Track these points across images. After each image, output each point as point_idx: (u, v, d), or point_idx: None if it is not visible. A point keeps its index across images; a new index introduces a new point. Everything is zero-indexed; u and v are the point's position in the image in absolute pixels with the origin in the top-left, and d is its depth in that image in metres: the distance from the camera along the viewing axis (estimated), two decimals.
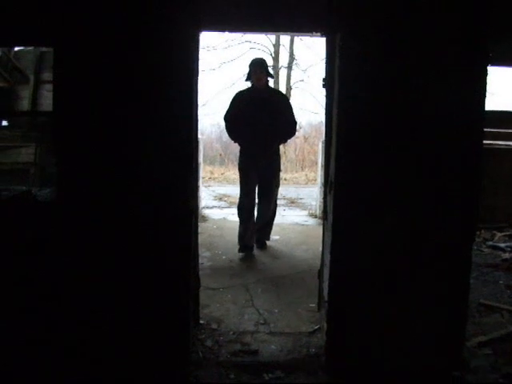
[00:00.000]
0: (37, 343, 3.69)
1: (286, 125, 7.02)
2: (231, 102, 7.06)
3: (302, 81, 23.45)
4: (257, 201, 7.33)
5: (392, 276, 3.73)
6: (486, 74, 3.64)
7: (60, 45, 3.61)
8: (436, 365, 3.81)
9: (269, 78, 7.12)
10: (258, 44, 22.80)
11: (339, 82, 3.66)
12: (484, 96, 3.66)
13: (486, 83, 3.66)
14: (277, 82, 22.19)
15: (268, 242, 7.51)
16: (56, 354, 3.71)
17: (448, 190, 3.68)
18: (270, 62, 21.50)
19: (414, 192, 3.68)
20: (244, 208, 7.10)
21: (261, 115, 6.78)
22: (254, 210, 7.20)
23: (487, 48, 3.61)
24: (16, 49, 10.17)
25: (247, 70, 7.01)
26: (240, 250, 7.01)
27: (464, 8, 3.56)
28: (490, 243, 7.68)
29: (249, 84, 7.15)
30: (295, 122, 7.18)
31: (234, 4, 3.58)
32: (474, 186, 3.72)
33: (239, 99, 7.01)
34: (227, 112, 7.05)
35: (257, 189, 7.24)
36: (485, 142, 3.79)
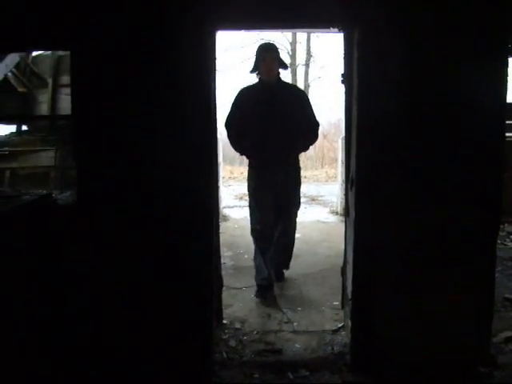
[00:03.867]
0: (61, 345, 3.71)
1: (307, 128, 5.45)
2: (233, 104, 5.46)
3: (320, 78, 23.42)
4: None
5: (416, 272, 3.69)
6: (506, 65, 3.60)
7: (77, 48, 3.61)
8: (463, 361, 3.77)
9: (281, 70, 5.51)
10: (274, 42, 22.79)
11: (358, 78, 3.64)
12: (505, 88, 3.62)
13: (506, 75, 3.61)
14: (295, 80, 22.17)
15: None
16: (80, 357, 3.72)
17: (471, 185, 3.64)
18: (287, 59, 21.46)
19: (437, 187, 3.64)
20: (260, 237, 5.60)
21: (273, 118, 5.25)
22: (273, 237, 5.59)
23: (507, 39, 3.57)
24: (34, 54, 10.23)
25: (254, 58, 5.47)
26: (258, 294, 5.37)
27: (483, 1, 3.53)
28: None
29: (255, 78, 5.55)
30: (317, 124, 5.55)
31: (249, 2, 3.56)
32: (496, 179, 3.68)
33: (244, 99, 5.44)
34: (228, 116, 5.44)
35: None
36: (506, 134, 3.74)
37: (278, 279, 5.72)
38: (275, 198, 5.49)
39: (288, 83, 6.18)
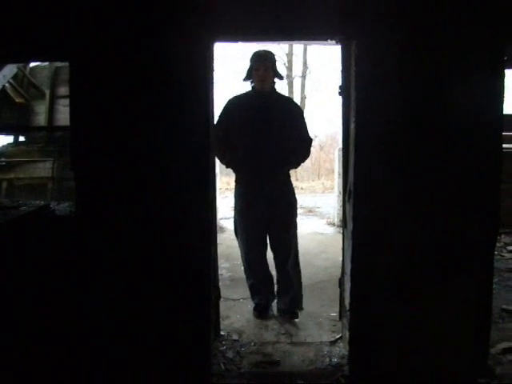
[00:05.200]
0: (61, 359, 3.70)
1: (299, 144, 5.10)
2: (222, 112, 5.05)
3: (316, 89, 23.50)
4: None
5: (415, 284, 3.69)
6: (503, 77, 3.62)
7: (76, 59, 3.63)
8: (461, 372, 3.76)
9: (276, 80, 5.13)
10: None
11: (356, 91, 3.65)
12: (502, 100, 3.63)
13: (503, 87, 3.63)
14: (291, 92, 22.23)
15: None
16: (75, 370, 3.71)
17: (469, 196, 3.65)
18: (283, 71, 21.48)
19: (435, 198, 3.65)
20: (252, 266, 5.23)
21: (264, 130, 4.90)
22: (266, 262, 5.25)
23: (503, 51, 3.59)
24: (31, 65, 10.27)
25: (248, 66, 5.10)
26: (256, 313, 5.15)
27: (480, 13, 3.55)
28: (511, 248, 7.60)
29: (248, 86, 5.18)
30: (310, 141, 5.19)
31: (247, 14, 3.58)
32: (493, 189, 3.69)
33: (234, 108, 5.06)
34: (218, 126, 4.80)
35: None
36: (504, 145, 3.76)
37: (291, 317, 5.04)
38: (268, 220, 5.08)
39: (283, 95, 5.67)
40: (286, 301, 5.13)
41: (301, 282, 5.27)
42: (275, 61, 5.14)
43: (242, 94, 5.21)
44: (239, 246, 5.29)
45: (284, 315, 5.07)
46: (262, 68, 4.93)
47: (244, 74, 5.13)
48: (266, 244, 5.21)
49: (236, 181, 5.24)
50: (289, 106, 5.26)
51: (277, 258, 5.19)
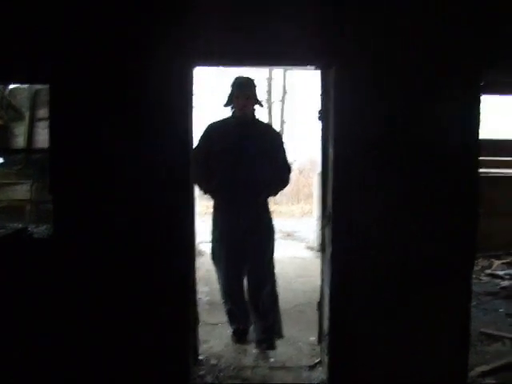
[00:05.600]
0: None
1: (278, 172, 5.02)
2: (201, 138, 5.00)
3: (295, 113, 23.58)
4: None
5: (393, 307, 3.71)
6: (478, 102, 3.68)
7: (55, 82, 3.63)
8: None
9: (256, 107, 5.07)
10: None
11: (334, 116, 3.69)
12: (478, 124, 3.69)
13: (479, 112, 3.69)
14: (271, 116, 22.29)
15: None
16: None
17: (447, 219, 3.69)
18: (263, 96, 21.56)
19: (413, 221, 3.68)
20: (230, 292, 5.14)
21: (243, 157, 4.84)
22: (243, 289, 5.15)
23: (480, 77, 3.65)
24: (10, 87, 10.22)
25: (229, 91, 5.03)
26: (234, 338, 5.14)
27: (457, 39, 3.62)
28: (489, 271, 7.66)
29: (228, 111, 5.08)
30: (289, 169, 5.14)
31: (225, 39, 3.61)
32: (471, 213, 3.73)
33: (212, 134, 5.00)
34: (195, 150, 4.48)
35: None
36: (480, 170, 3.80)
37: (268, 348, 4.90)
38: (245, 249, 4.99)
39: (263, 122, 5.53)
40: (260, 330, 4.99)
41: (278, 310, 5.09)
42: (255, 88, 5.06)
43: (221, 120, 5.12)
44: (216, 272, 5.21)
45: (259, 345, 4.92)
46: (243, 96, 4.87)
47: (225, 100, 5.04)
48: (244, 271, 5.09)
49: (214, 207, 5.20)
50: (270, 133, 5.21)
51: (251, 285, 5.06)
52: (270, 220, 5.08)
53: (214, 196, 5.11)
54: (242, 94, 4.88)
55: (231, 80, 5.02)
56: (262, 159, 4.89)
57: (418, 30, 3.59)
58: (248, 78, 5.06)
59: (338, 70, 3.63)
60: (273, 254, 5.10)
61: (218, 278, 5.19)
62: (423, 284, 3.71)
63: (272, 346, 4.90)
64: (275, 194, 5.31)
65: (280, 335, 5.05)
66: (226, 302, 5.19)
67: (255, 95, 5.01)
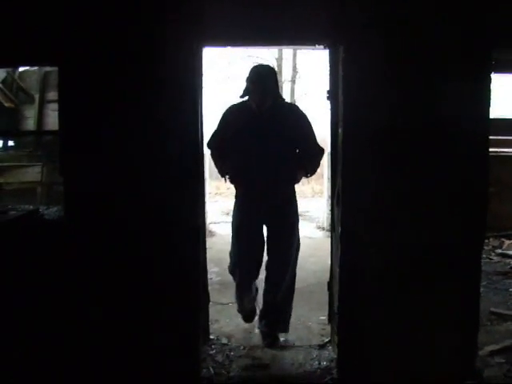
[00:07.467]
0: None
1: (308, 156, 4.60)
2: (220, 122, 4.63)
3: (306, 94, 23.48)
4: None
5: (403, 287, 3.71)
6: (489, 81, 3.65)
7: (65, 63, 3.63)
8: (449, 375, 3.78)
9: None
10: (260, 59, 22.85)
11: (343, 96, 3.67)
12: (489, 103, 3.66)
13: (490, 91, 3.66)
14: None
15: None
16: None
17: (457, 199, 3.67)
18: None
19: (423, 202, 3.67)
20: (241, 286, 4.79)
21: (267, 141, 4.40)
22: (255, 289, 4.88)
23: (490, 56, 3.62)
24: (20, 69, 10.23)
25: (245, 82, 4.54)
26: (245, 319, 4.84)
27: (465, 18, 3.58)
28: (499, 251, 7.64)
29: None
30: (321, 151, 4.68)
31: (236, 20, 3.59)
32: (481, 193, 3.71)
33: (233, 117, 4.58)
34: (213, 136, 4.59)
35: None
36: (490, 149, 3.78)
37: (271, 344, 4.55)
38: (268, 238, 4.71)
39: (287, 102, 5.08)
40: (269, 321, 4.68)
41: (291, 305, 4.79)
42: (275, 75, 4.69)
43: (240, 103, 4.64)
44: (232, 266, 4.84)
45: (265, 339, 4.63)
46: (261, 89, 4.41)
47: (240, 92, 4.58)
48: (260, 268, 4.81)
49: (236, 197, 4.84)
50: (294, 113, 4.63)
51: (273, 274, 4.72)
52: (295, 209, 4.74)
53: (235, 183, 4.72)
54: (262, 89, 4.43)
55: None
56: (288, 142, 4.49)
57: (430, 7, 3.55)
58: (267, 67, 4.76)
59: (345, 50, 3.60)
60: (299, 246, 4.84)
61: (233, 269, 4.84)
62: (433, 263, 3.70)
63: (277, 342, 4.60)
64: (303, 177, 4.84)
65: (286, 330, 4.74)
66: (237, 289, 4.84)
67: (274, 88, 4.54)
